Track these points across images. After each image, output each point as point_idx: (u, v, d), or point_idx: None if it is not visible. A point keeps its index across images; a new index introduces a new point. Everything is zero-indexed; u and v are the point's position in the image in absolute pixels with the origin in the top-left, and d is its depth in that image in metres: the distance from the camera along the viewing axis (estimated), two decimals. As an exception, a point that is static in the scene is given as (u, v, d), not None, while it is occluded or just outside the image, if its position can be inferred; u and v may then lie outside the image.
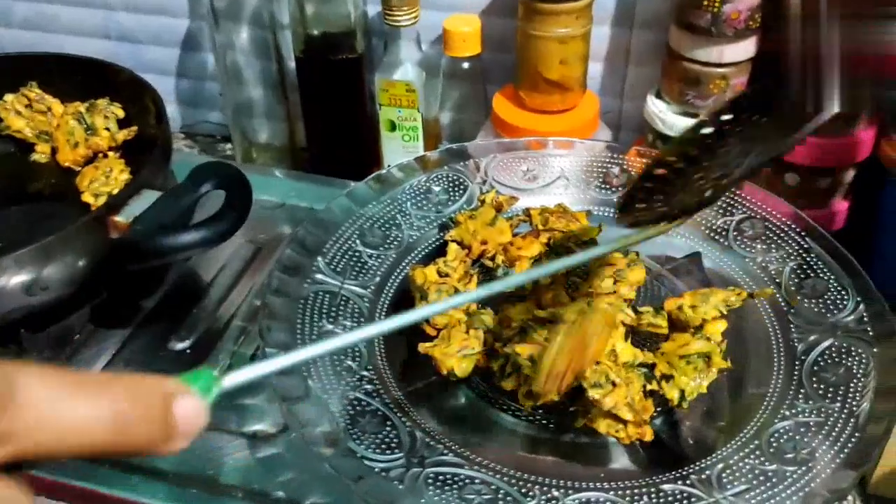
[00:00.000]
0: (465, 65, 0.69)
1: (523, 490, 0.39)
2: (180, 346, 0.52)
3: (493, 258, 0.51)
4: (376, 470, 0.39)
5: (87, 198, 0.55)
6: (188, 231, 0.46)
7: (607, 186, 0.57)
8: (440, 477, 0.39)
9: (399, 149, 0.73)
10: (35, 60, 0.65)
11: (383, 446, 0.40)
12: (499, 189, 0.56)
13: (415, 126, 0.72)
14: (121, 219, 0.48)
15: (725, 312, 0.44)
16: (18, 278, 0.46)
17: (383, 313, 0.49)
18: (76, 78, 0.63)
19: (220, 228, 0.47)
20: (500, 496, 0.39)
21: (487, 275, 0.51)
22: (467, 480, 0.39)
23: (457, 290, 0.48)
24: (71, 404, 0.21)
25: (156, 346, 0.52)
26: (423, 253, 0.53)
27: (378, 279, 0.51)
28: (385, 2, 0.67)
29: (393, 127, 0.72)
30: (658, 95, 0.66)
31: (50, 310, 0.50)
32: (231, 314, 0.54)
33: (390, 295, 0.51)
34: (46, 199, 0.60)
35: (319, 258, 0.50)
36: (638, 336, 0.45)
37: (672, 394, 0.41)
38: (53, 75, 0.64)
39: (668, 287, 0.50)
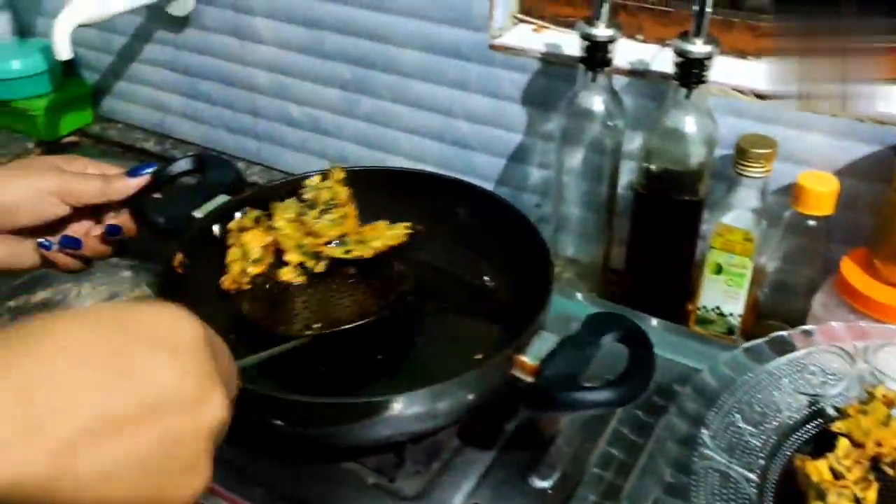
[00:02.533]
0: (812, 223, 0.67)
1: None
2: (542, 484, 0.54)
3: (892, 464, 0.48)
4: None
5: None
6: (598, 390, 0.47)
7: None
8: None
9: (720, 292, 0.72)
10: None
11: None
12: (885, 382, 0.54)
13: (743, 273, 0.70)
14: (528, 360, 0.50)
15: None
16: (413, 410, 0.49)
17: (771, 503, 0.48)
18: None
19: (629, 390, 0.47)
20: None
21: (885, 484, 0.48)
22: None
23: (856, 497, 0.46)
24: None
25: (518, 479, 0.54)
26: (800, 439, 0.52)
27: (762, 462, 0.50)
28: (740, 153, 0.67)
29: (719, 270, 0.71)
30: None
31: (433, 432, 0.53)
32: (584, 459, 0.55)
33: (774, 483, 0.49)
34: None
35: (705, 430, 0.50)
36: None
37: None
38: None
39: None
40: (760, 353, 0.55)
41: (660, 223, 0.73)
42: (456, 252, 0.66)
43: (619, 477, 0.54)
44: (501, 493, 0.53)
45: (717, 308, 0.73)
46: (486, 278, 0.66)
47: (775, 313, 0.73)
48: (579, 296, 0.74)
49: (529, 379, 0.49)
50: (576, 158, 0.76)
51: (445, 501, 0.53)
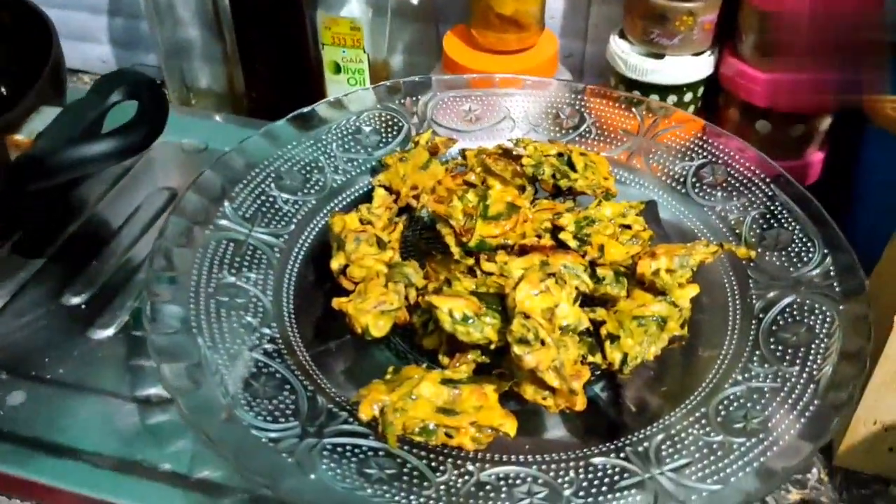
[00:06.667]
0: (415, 1, 0.63)
1: (433, 464, 0.34)
2: (75, 300, 0.47)
3: (417, 199, 0.45)
4: (264, 440, 0.34)
5: None
6: (97, 142, 0.42)
7: (559, 129, 0.51)
8: (338, 448, 0.34)
9: (343, 91, 0.67)
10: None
11: (276, 414, 0.35)
12: (437, 130, 0.51)
13: (361, 68, 0.66)
14: (21, 137, 0.43)
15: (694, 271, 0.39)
16: None
17: (297, 264, 0.44)
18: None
19: (132, 139, 0.42)
20: (405, 471, 0.34)
21: (414, 222, 0.45)
22: (370, 452, 0.34)
23: (379, 240, 0.43)
24: None
25: (48, 301, 0.47)
26: (348, 199, 0.48)
27: (293, 227, 0.45)
28: (325, -72, 0.61)
29: (338, 69, 0.66)
30: (622, 35, 0.61)
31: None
32: (135, 267, 0.49)
33: (306, 245, 0.45)
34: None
35: (226, 203, 0.45)
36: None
37: (614, 356, 0.36)
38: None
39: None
40: (310, 120, 0.50)
41: (262, 24, 0.66)
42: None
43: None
44: (27, 319, 0.46)
45: (346, 110, 0.68)
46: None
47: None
48: (218, 118, 0.67)
49: (23, 155, 0.42)
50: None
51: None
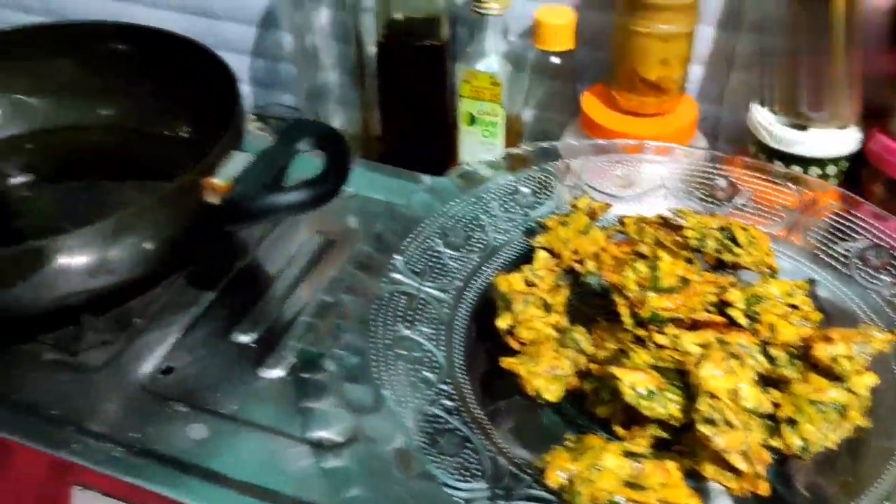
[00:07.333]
0: (555, 60, 0.65)
1: (617, 534, 0.35)
2: (244, 339, 0.49)
3: (580, 263, 0.46)
4: (456, 499, 0.35)
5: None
6: (294, 190, 0.45)
7: (712, 200, 0.52)
8: (528, 512, 0.35)
9: (477, 144, 0.69)
10: (97, 29, 0.62)
11: (464, 472, 0.36)
12: (589, 193, 0.52)
13: (495, 121, 0.68)
14: (219, 181, 0.45)
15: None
16: (81, 259, 0.44)
17: (464, 320, 0.46)
18: (147, 52, 0.60)
19: (321, 190, 0.45)
20: (592, 540, 0.34)
21: (578, 287, 0.47)
22: (557, 519, 0.35)
23: (544, 302, 0.44)
24: None
25: (218, 337, 0.49)
26: (508, 258, 0.49)
27: (459, 283, 0.47)
28: (475, -12, 0.63)
29: (472, 121, 0.68)
30: (763, 103, 0.61)
31: (114, 293, 0.47)
32: (298, 310, 0.51)
33: (471, 301, 0.47)
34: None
35: (397, 256, 0.47)
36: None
37: (793, 441, 0.37)
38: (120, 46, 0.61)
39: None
40: (471, 177, 0.52)
41: (405, 73, 0.69)
42: (150, 108, 0.60)
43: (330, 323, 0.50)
44: (200, 354, 0.49)
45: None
46: (182, 132, 0.60)
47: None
48: (356, 163, 0.69)
49: (221, 200, 0.45)
50: (319, 17, 0.70)
51: (136, 369, 0.48)
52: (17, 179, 0.59)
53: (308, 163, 0.48)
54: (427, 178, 0.54)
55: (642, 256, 0.44)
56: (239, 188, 0.46)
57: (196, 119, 0.59)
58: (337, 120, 0.76)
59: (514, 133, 0.69)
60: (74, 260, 0.43)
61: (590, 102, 0.65)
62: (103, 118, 0.61)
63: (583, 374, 0.42)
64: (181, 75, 0.57)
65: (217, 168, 0.47)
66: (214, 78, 0.55)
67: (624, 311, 0.41)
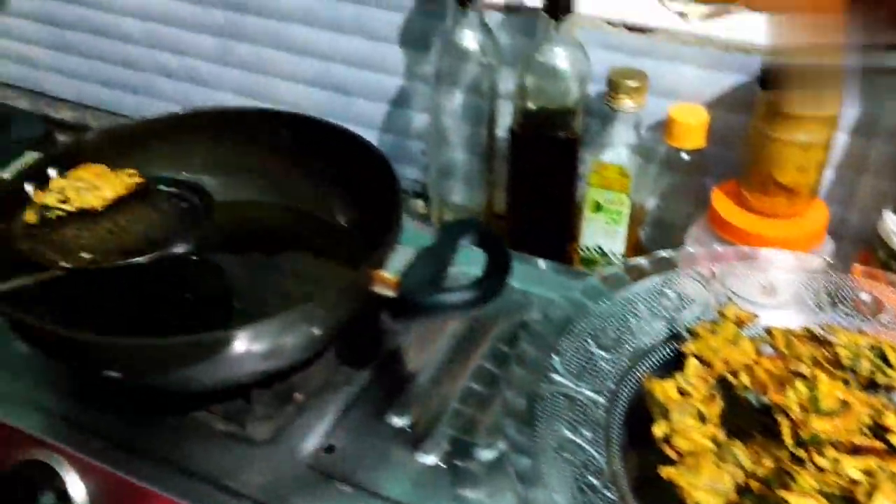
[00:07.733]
0: (686, 156, 0.67)
1: None
2: (398, 422, 0.52)
3: (735, 374, 0.48)
4: None
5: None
6: (455, 292, 0.47)
7: (858, 314, 0.53)
8: None
9: (600, 230, 0.71)
10: (263, 116, 0.67)
11: (638, 585, 0.38)
12: (733, 300, 0.54)
13: (621, 210, 0.70)
14: (388, 275, 0.48)
15: None
16: (257, 346, 0.46)
17: (618, 424, 0.47)
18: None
19: (485, 292, 0.47)
20: None
21: (731, 398, 0.48)
22: None
23: (700, 412, 0.46)
24: None
25: (375, 418, 0.52)
26: (655, 362, 0.51)
27: (612, 385, 0.49)
28: (612, 85, 0.66)
29: (598, 208, 0.71)
30: None
31: (281, 372, 0.51)
32: (447, 394, 0.54)
33: (624, 405, 0.49)
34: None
35: (555, 356, 0.49)
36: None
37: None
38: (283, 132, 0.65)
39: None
40: (617, 281, 0.54)
41: (537, 162, 0.72)
42: (308, 191, 0.64)
43: (479, 411, 0.53)
44: (358, 434, 0.51)
45: (599, 247, 0.72)
46: (339, 217, 0.63)
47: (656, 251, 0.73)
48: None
49: (392, 293, 0.48)
50: (454, 100, 0.74)
51: (299, 445, 0.51)
52: (180, 248, 0.63)
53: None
54: (579, 283, 0.55)
55: (800, 376, 0.45)
56: (407, 283, 0.49)
57: (352, 206, 0.62)
58: (460, 195, 0.79)
59: (636, 221, 0.71)
60: (251, 347, 0.46)
61: (720, 200, 0.66)
62: (264, 196, 0.65)
63: (741, 490, 0.43)
64: (342, 165, 0.62)
65: (385, 262, 0.50)
66: (373, 170, 0.58)
67: (786, 432, 0.43)
